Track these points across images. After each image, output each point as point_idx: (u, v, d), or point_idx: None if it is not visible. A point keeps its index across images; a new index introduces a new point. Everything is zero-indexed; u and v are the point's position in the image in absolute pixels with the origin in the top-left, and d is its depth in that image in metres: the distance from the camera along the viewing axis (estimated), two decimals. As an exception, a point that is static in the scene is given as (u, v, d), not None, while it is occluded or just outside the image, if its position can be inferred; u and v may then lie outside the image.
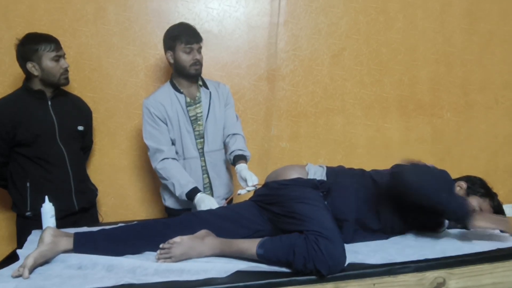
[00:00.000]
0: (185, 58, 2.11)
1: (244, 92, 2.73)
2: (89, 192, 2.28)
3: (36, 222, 1.91)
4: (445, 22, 2.96)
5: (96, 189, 2.37)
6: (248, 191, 1.97)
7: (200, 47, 2.16)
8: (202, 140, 2.20)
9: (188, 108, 2.16)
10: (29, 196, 2.06)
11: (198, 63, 2.14)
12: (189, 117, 2.16)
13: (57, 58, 2.05)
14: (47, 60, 2.03)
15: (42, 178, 2.08)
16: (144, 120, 2.16)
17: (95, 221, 2.30)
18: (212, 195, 2.21)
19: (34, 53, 2.01)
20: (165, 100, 2.14)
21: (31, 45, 2.02)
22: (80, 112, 2.28)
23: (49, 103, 2.10)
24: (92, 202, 2.31)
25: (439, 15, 2.95)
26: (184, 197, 2.02)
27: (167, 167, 2.09)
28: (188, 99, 2.17)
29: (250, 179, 1.98)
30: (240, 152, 2.15)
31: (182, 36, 2.10)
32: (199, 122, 2.19)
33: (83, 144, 2.32)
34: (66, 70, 2.10)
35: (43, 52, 2.02)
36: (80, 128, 2.23)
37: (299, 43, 2.78)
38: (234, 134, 2.25)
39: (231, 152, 2.17)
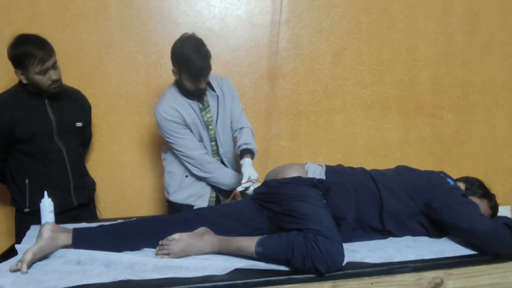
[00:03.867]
0: (190, 86, 2.02)
1: (245, 90, 2.73)
2: (87, 188, 2.28)
3: (35, 218, 1.92)
4: (446, 23, 2.96)
5: (95, 184, 2.37)
6: (245, 187, 1.97)
7: (207, 78, 2.04)
8: (214, 143, 2.20)
9: (202, 113, 2.15)
10: (28, 192, 2.06)
11: (203, 90, 2.08)
12: (204, 122, 2.15)
13: (43, 72, 1.94)
14: (33, 73, 1.93)
15: (41, 175, 2.07)
16: (172, 133, 2.08)
17: (93, 217, 2.30)
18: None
19: (21, 64, 1.92)
20: (181, 109, 2.08)
21: (18, 55, 1.91)
22: (78, 108, 2.25)
23: (46, 101, 2.07)
24: (90, 197, 2.31)
25: (440, 15, 2.94)
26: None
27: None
28: (200, 105, 2.15)
29: (246, 176, 1.98)
30: (245, 146, 2.14)
31: (188, 71, 1.96)
32: (210, 127, 2.18)
33: (82, 139, 2.31)
34: (54, 81, 1.99)
35: (29, 65, 1.90)
36: (79, 124, 2.20)
37: (300, 41, 2.78)
38: (241, 128, 2.24)
39: (238, 147, 2.17)
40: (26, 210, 2.06)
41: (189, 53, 1.94)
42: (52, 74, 1.97)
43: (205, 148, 2.16)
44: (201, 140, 2.15)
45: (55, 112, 2.08)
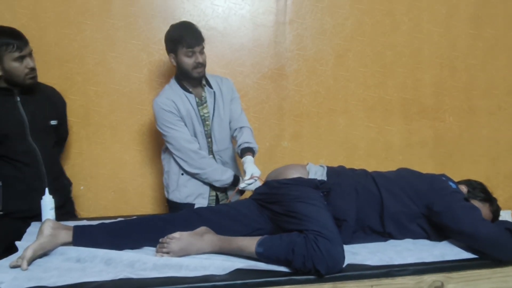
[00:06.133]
0: (188, 61, 2.06)
1: (248, 90, 2.73)
2: (63, 190, 2.18)
3: (8, 220, 1.91)
4: (450, 26, 2.95)
5: (70, 184, 2.28)
6: (248, 184, 1.97)
7: (203, 48, 2.10)
8: (210, 140, 2.20)
9: (198, 108, 2.16)
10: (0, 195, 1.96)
11: (201, 65, 2.08)
12: (200, 117, 2.16)
13: (20, 59, 1.89)
14: (10, 60, 1.87)
15: (14, 177, 1.97)
16: (167, 123, 2.09)
17: (72, 217, 2.20)
18: (226, 193, 2.27)
19: None
20: (177, 100, 2.11)
21: None
22: (52, 105, 2.14)
23: (18, 99, 1.96)
24: (65, 198, 2.20)
25: (444, 19, 2.94)
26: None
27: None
28: (197, 99, 2.16)
29: (248, 173, 1.99)
30: (246, 145, 2.15)
31: (183, 39, 2.03)
32: (206, 123, 2.18)
33: (57, 137, 2.21)
34: (31, 70, 1.93)
35: (5, 52, 1.85)
36: (53, 122, 2.10)
37: (304, 42, 2.78)
38: (241, 127, 2.24)
39: (239, 146, 2.17)
40: None
41: (178, 29, 2.10)
42: (29, 61, 1.92)
43: (199, 143, 2.15)
44: (195, 135, 2.15)
45: (27, 110, 1.98)
